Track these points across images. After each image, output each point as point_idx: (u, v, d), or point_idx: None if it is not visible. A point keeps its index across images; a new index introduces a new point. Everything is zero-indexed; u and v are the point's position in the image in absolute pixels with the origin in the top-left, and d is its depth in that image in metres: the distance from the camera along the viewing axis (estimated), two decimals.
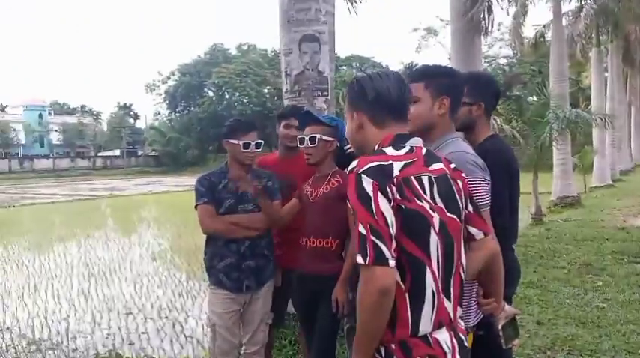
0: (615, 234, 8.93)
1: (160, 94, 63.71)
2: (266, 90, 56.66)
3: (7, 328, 5.80)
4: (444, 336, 1.54)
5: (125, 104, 69.89)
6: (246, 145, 2.82)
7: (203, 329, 5.73)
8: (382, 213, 1.45)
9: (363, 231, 1.44)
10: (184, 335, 5.61)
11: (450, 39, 7.53)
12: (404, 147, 1.61)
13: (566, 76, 12.44)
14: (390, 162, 1.53)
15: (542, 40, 16.34)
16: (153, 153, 60.71)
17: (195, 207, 2.87)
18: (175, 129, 57.87)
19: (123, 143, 62.76)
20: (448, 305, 1.57)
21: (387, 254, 1.43)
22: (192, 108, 60.90)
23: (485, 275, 1.94)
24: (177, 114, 62.75)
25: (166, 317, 6.21)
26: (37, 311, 6.48)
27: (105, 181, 39.14)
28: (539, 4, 14.81)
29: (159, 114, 66.72)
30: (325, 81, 3.97)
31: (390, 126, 1.66)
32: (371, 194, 1.46)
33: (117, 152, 62.94)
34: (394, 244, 1.45)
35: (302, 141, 2.75)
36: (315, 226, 2.69)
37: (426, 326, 1.51)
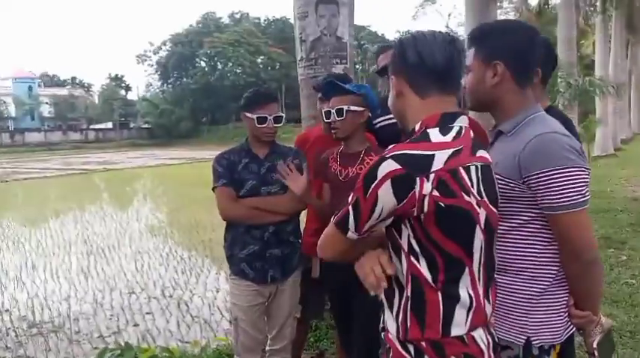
0: (628, 205, 8.74)
1: (152, 65, 63.18)
2: (260, 60, 55.90)
3: (6, 310, 5.58)
4: (479, 333, 1.42)
5: (117, 75, 68.88)
6: (262, 119, 2.51)
7: (210, 308, 5.58)
8: (375, 198, 1.35)
9: (349, 199, 1.42)
10: (190, 316, 5.44)
11: (463, 4, 7.12)
12: (451, 128, 1.41)
13: (574, 44, 12.01)
14: (432, 153, 1.34)
15: (546, 7, 15.88)
16: (145, 126, 60.06)
17: (213, 189, 2.57)
18: (168, 101, 57.30)
19: (115, 115, 61.94)
20: (488, 307, 1.45)
21: (351, 228, 1.41)
22: (184, 79, 60.40)
23: (578, 282, 1.66)
24: (170, 86, 62.36)
25: (170, 296, 6.04)
26: (37, 291, 6.28)
27: (98, 154, 38.77)
28: None
29: (151, 85, 66.19)
30: (344, 47, 3.62)
31: (433, 96, 1.45)
32: (379, 177, 1.34)
33: (109, 125, 62.16)
34: (365, 228, 1.41)
35: (328, 114, 2.47)
36: None
37: (459, 328, 1.39)
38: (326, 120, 2.51)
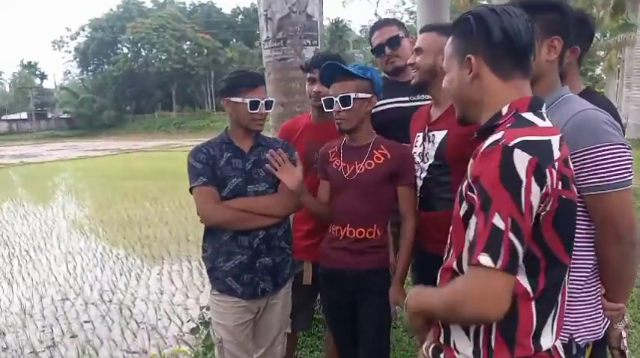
0: None
1: (70, 52, 60.27)
2: (186, 46, 54.13)
3: None
4: (558, 343, 1.28)
5: (30, 62, 64.76)
6: (255, 104, 2.15)
7: (156, 313, 5.14)
8: (531, 206, 1.09)
9: (500, 225, 1.08)
10: (135, 322, 4.97)
11: None
12: (542, 114, 1.25)
13: None
14: (548, 138, 1.16)
15: None
16: (65, 116, 56.88)
17: (191, 190, 2.18)
18: (88, 90, 54.64)
19: (30, 105, 58.16)
20: (564, 312, 1.31)
21: (521, 261, 1.12)
22: (105, 66, 57.99)
23: (616, 267, 1.53)
24: (90, 73, 59.71)
25: (110, 301, 5.52)
26: None
27: (12, 147, 36.33)
28: None
29: (69, 73, 63.01)
30: (315, 27, 3.30)
31: (516, 79, 1.28)
32: (524, 177, 1.08)
33: (24, 115, 58.29)
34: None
35: (329, 103, 2.11)
36: (354, 212, 2.10)
37: (548, 339, 1.22)
38: (327, 110, 2.15)
